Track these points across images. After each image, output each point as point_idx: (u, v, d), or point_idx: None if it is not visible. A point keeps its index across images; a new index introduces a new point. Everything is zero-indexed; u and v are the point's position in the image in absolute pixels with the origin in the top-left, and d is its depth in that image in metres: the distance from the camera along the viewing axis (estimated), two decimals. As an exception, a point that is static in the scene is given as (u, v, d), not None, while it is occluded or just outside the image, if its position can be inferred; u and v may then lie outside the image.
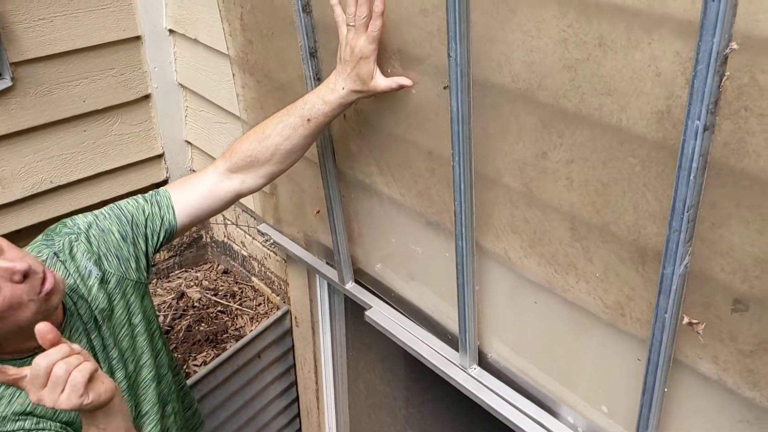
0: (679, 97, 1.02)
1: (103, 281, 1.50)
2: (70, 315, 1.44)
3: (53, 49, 2.22)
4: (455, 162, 1.40)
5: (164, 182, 2.67)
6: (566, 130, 1.21)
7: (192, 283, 2.76)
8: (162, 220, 1.58)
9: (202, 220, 1.66)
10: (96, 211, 1.56)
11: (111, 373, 1.52)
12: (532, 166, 1.31)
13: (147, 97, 2.50)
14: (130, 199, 1.58)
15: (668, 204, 1.07)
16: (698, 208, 1.06)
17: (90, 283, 1.49)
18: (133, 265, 1.57)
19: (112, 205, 1.58)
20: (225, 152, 1.61)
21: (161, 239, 1.60)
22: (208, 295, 2.69)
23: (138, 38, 2.40)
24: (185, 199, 1.59)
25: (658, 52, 1.02)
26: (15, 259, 1.26)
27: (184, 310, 2.62)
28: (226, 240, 2.80)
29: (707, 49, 0.90)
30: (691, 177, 1.02)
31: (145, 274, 1.60)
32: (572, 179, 1.25)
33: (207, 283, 2.76)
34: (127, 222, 1.55)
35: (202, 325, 2.56)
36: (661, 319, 1.19)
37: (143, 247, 1.58)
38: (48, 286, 1.28)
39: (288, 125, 1.52)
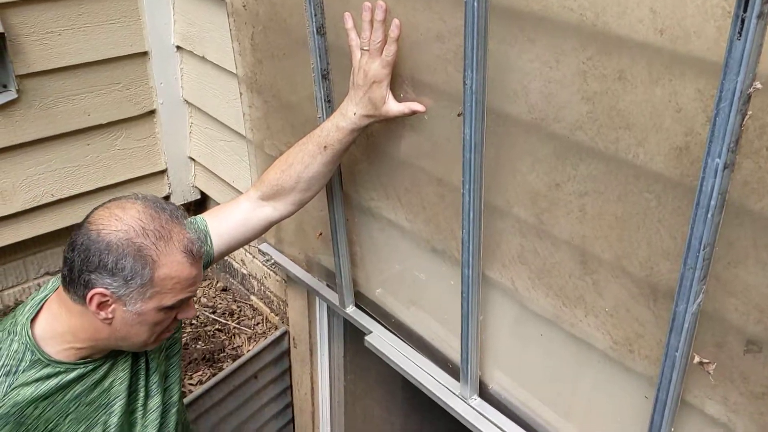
0: (698, 134, 1.01)
1: None
2: None
3: (60, 62, 2.21)
4: (465, 190, 1.38)
5: (167, 198, 2.65)
6: (581, 162, 1.20)
7: (189, 301, 2.73)
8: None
9: (235, 249, 1.68)
10: None
11: (148, 397, 1.54)
12: (544, 197, 1.30)
13: (152, 112, 2.49)
14: None
15: (683, 241, 1.06)
16: (714, 246, 1.05)
17: None
18: None
19: None
20: (256, 181, 1.63)
21: None
22: (207, 313, 2.66)
23: (145, 54, 2.39)
24: (221, 228, 1.60)
25: (679, 89, 1.01)
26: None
27: (181, 327, 2.59)
28: (226, 257, 2.77)
29: (731, 87, 0.89)
30: (709, 215, 1.00)
31: None
32: (585, 212, 1.24)
33: (205, 300, 2.74)
34: None
35: (199, 343, 2.53)
36: (672, 358, 1.17)
37: None
38: (169, 334, 1.44)
39: (307, 153, 1.54)
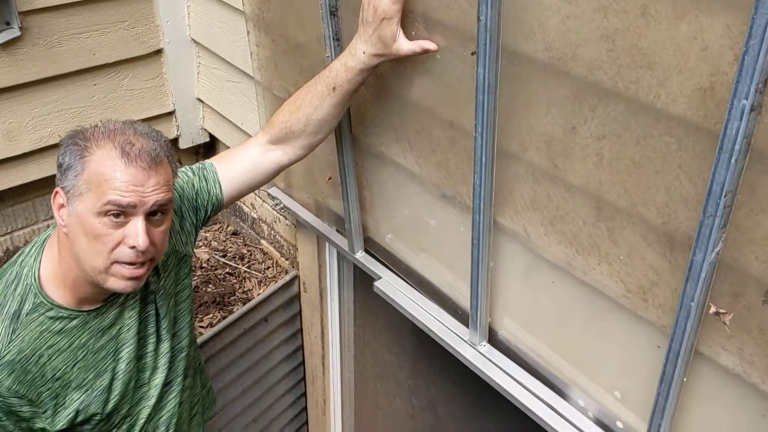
0: (725, 73, 0.96)
1: None
2: None
3: (64, -2, 2.15)
4: (478, 133, 1.33)
5: (175, 141, 2.62)
6: (599, 104, 1.15)
7: (201, 244, 2.72)
8: (209, 194, 1.58)
9: (246, 194, 1.65)
10: None
11: (159, 342, 1.53)
12: (559, 141, 1.25)
13: (159, 52, 2.43)
14: (179, 171, 1.52)
15: (704, 187, 1.02)
16: (736, 193, 1.01)
17: None
18: (183, 238, 1.56)
19: None
20: (265, 125, 1.59)
21: (208, 213, 1.60)
22: (217, 256, 2.65)
23: (151, -10, 2.33)
24: (231, 172, 1.57)
25: (705, 25, 0.95)
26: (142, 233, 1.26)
27: (191, 271, 2.58)
28: (236, 201, 2.75)
29: (762, 23, 0.83)
30: (733, 160, 0.96)
31: (191, 248, 1.61)
32: (602, 156, 1.19)
33: (216, 244, 2.73)
34: (179, 196, 1.53)
35: (210, 286, 2.53)
36: (687, 307, 1.14)
37: (193, 221, 1.57)
38: (135, 273, 1.29)
39: (316, 95, 1.49)
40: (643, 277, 1.24)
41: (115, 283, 1.29)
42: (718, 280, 1.10)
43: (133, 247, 1.25)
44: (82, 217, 1.24)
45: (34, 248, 1.37)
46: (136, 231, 1.25)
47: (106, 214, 1.23)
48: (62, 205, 1.28)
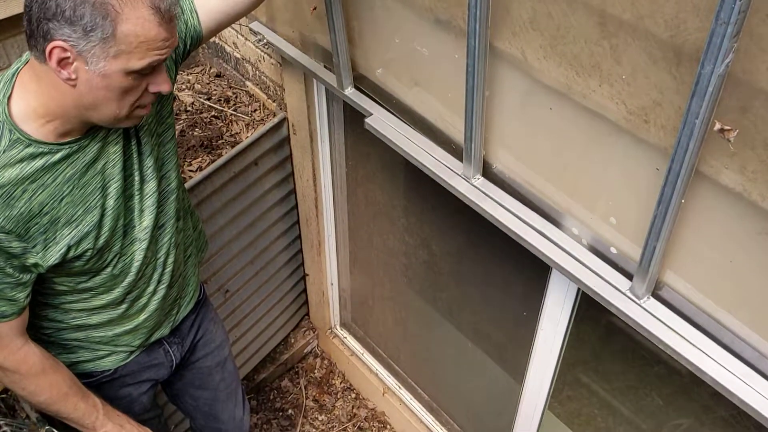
0: None
1: None
2: None
3: None
4: (473, -55, 1.23)
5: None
6: None
7: (183, 87, 2.63)
8: (187, 25, 1.49)
9: (225, 26, 1.56)
10: None
11: (143, 182, 1.50)
12: (562, -51, 1.15)
13: None
14: None
15: (718, -8, 0.94)
16: (753, -4, 0.93)
17: None
18: None
19: None
20: None
21: (188, 47, 1.51)
22: (201, 99, 2.57)
23: None
24: (207, 2, 1.49)
25: None
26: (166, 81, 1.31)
27: (176, 115, 2.51)
28: (217, 41, 2.62)
29: None
30: (753, -43, 0.87)
31: (172, 85, 1.53)
32: (608, -36, 1.10)
33: (199, 86, 2.63)
34: None
35: (196, 130, 2.47)
36: (690, 125, 1.09)
37: (171, 55, 1.49)
38: (146, 112, 1.35)
39: None
40: (645, 97, 1.18)
41: (129, 122, 1.34)
42: (725, 95, 1.05)
43: (157, 92, 1.30)
44: (110, 77, 1.22)
45: (1, 85, 1.29)
46: (165, 79, 1.30)
47: (139, 71, 1.23)
48: (67, 61, 1.18)
